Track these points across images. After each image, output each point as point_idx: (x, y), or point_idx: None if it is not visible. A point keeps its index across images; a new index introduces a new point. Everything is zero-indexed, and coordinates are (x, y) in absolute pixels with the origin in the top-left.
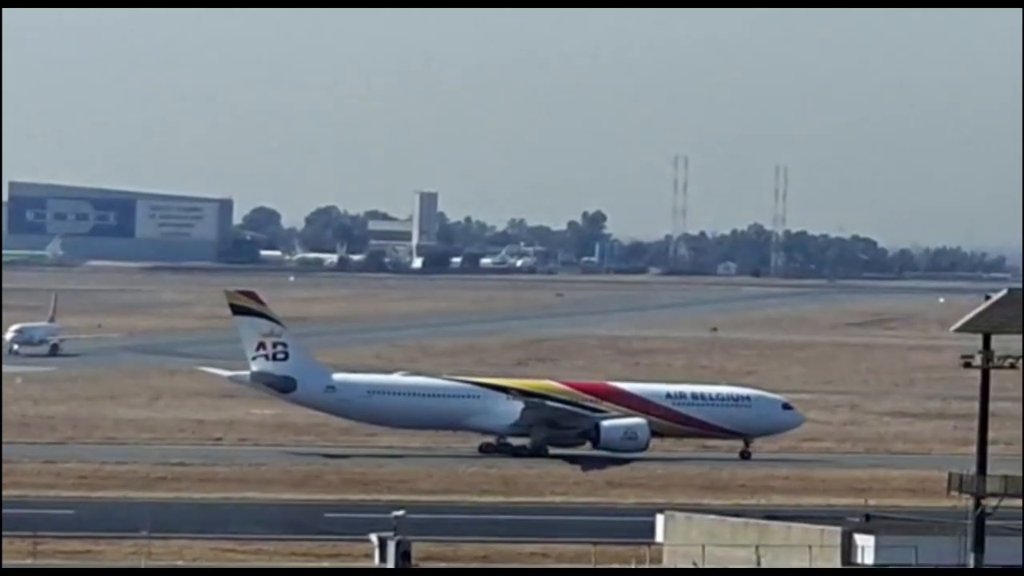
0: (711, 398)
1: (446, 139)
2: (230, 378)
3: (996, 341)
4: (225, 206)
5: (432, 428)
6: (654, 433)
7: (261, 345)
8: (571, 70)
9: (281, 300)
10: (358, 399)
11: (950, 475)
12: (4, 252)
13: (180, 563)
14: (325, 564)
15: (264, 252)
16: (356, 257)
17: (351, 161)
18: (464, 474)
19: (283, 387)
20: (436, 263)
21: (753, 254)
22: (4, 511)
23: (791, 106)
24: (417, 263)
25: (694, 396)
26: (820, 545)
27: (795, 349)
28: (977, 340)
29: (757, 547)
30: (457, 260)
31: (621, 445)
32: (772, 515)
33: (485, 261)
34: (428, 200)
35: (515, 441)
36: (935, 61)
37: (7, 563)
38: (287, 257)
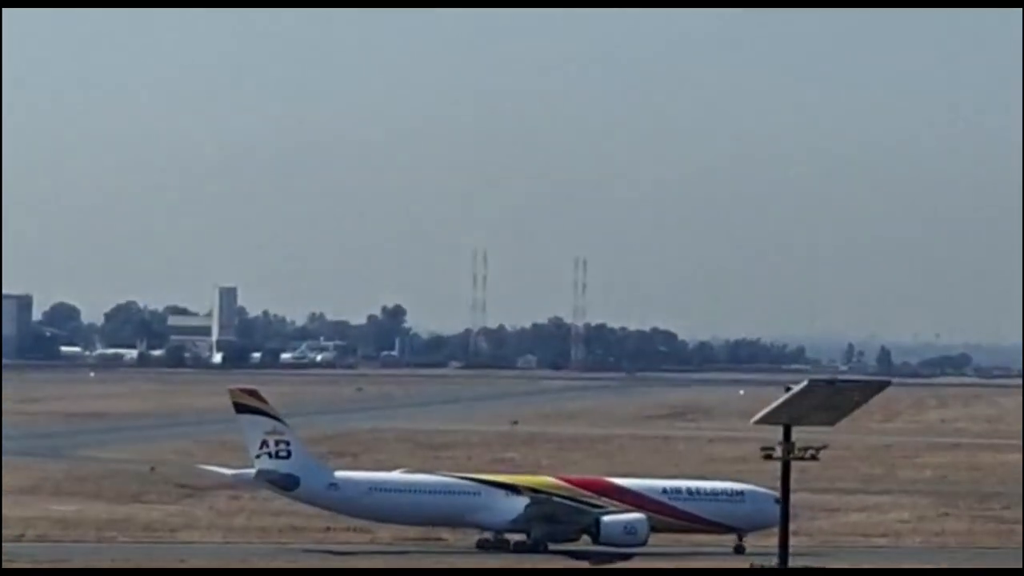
0: (706, 493)
1: (244, 233)
2: (232, 476)
3: (796, 432)
4: (24, 302)
5: (433, 524)
6: (652, 528)
7: (264, 443)
8: (364, 161)
9: (81, 396)
10: (360, 496)
11: (752, 566)
12: None
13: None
14: None
15: (64, 348)
16: (156, 352)
17: (150, 256)
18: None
19: (286, 485)
20: (236, 358)
21: (553, 347)
22: None
23: (591, 199)
24: (217, 358)
25: (689, 491)
26: None
27: (596, 442)
28: (777, 432)
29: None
30: (257, 355)
31: (621, 540)
32: None
33: (285, 356)
34: (227, 295)
35: (513, 537)
36: (729, 144)
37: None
38: (87, 353)
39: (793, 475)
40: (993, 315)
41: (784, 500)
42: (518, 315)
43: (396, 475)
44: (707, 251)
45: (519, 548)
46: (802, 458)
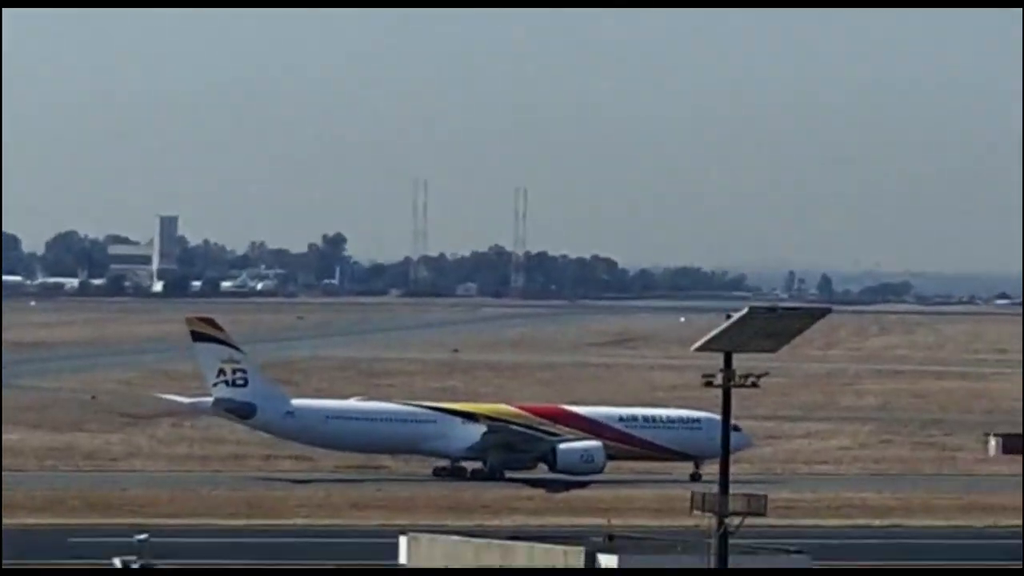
0: (662, 421)
1: (185, 161)
2: (191, 405)
3: (737, 360)
4: None
5: (390, 452)
6: (608, 456)
7: (221, 372)
8: (306, 90)
9: (22, 325)
10: (317, 424)
11: (692, 494)
12: None
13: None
14: None
15: (5, 277)
16: (97, 281)
17: (90, 186)
18: (208, 497)
19: (243, 413)
20: (177, 287)
21: (493, 275)
22: None
23: (530, 127)
24: (158, 287)
25: (646, 419)
26: (564, 565)
27: (537, 369)
28: (719, 359)
29: (500, 568)
30: (197, 284)
31: (578, 468)
32: (516, 535)
33: (226, 284)
34: (168, 224)
35: (469, 465)
36: (668, 75)
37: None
38: (28, 282)
39: (735, 402)
40: (934, 243)
41: (724, 427)
42: (458, 243)
43: (353, 403)
44: (647, 179)
45: (476, 476)
46: (743, 385)
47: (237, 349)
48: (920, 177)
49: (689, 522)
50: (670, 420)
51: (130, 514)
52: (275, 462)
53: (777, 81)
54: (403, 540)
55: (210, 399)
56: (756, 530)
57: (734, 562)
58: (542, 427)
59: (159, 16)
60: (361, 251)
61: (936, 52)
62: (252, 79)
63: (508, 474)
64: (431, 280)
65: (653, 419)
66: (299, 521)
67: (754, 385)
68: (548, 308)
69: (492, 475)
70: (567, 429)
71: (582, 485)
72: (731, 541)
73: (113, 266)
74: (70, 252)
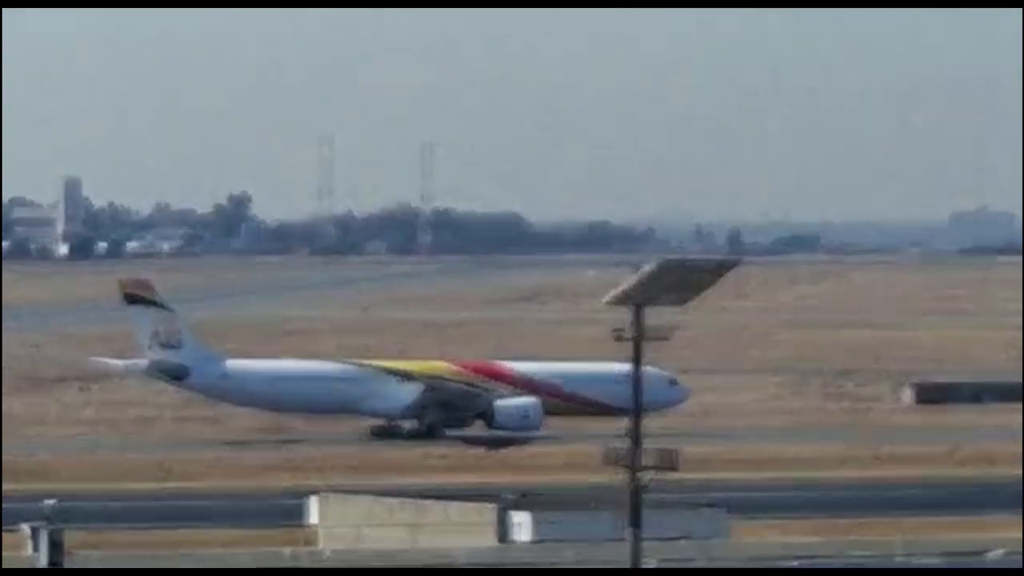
0: (598, 376)
1: (88, 123)
2: (125, 367)
3: (647, 313)
4: None
5: (327, 413)
6: (545, 412)
7: (155, 334)
8: (206, 48)
9: None
10: (252, 385)
11: (605, 449)
12: None
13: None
14: None
15: None
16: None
17: None
18: (117, 461)
19: (177, 375)
20: (82, 249)
21: (401, 232)
22: None
23: (435, 82)
24: (63, 250)
25: (583, 374)
26: (477, 523)
27: (447, 327)
28: (628, 312)
29: (413, 526)
30: (103, 245)
31: (515, 424)
32: (427, 494)
33: (132, 246)
34: (72, 185)
35: (406, 424)
36: (574, 27)
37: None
38: None
39: (646, 356)
40: (843, 192)
41: (635, 381)
42: (365, 201)
43: (288, 363)
44: (553, 134)
45: (413, 435)
46: (653, 338)
47: (171, 311)
48: (826, 123)
49: (603, 478)
50: (607, 375)
51: (38, 479)
52: (184, 424)
53: (683, 32)
54: (313, 500)
55: (144, 361)
56: (671, 485)
57: (648, 518)
58: (479, 384)
59: None
60: (267, 210)
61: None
62: (153, 37)
63: (446, 432)
64: (338, 238)
65: (589, 374)
66: (209, 484)
67: (664, 338)
68: (457, 264)
69: (430, 433)
70: (503, 386)
71: (521, 442)
72: (644, 496)
73: (17, 229)
74: None
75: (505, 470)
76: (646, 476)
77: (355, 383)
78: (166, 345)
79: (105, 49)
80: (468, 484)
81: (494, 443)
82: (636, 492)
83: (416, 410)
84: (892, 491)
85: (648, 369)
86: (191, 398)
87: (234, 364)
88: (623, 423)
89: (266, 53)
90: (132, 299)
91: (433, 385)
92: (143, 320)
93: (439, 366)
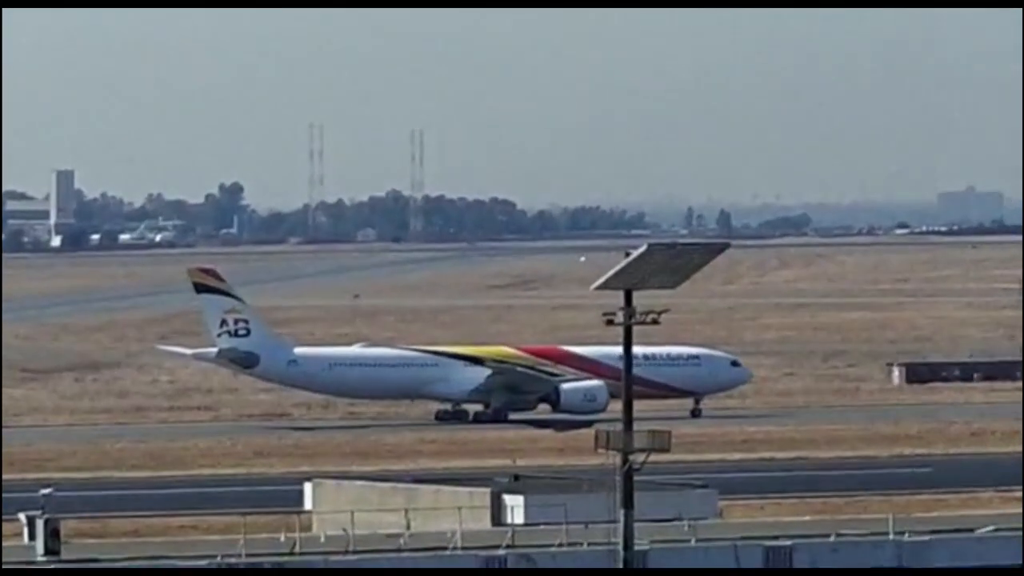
0: (662, 358)
1: (80, 115)
2: (194, 355)
3: (638, 297)
4: None
5: (393, 398)
6: (610, 395)
7: (224, 322)
8: (196, 38)
9: None
10: (320, 372)
11: (596, 432)
12: None
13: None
14: None
15: None
16: None
17: None
18: (112, 450)
19: (247, 363)
20: (75, 241)
21: (392, 220)
22: None
23: (425, 70)
24: (56, 241)
25: (645, 357)
26: (469, 506)
27: (438, 313)
28: (619, 297)
29: (406, 510)
30: (96, 237)
31: (582, 407)
32: (421, 479)
33: (124, 237)
34: (64, 177)
35: (471, 408)
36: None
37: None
38: None
39: (636, 339)
40: (832, 175)
41: (626, 364)
42: (356, 189)
43: (356, 349)
44: (543, 120)
45: (479, 419)
46: (643, 322)
47: (239, 299)
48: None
49: (595, 460)
50: (670, 357)
51: (35, 469)
52: (178, 413)
53: (672, 17)
54: (308, 487)
55: (214, 350)
56: (662, 467)
57: (640, 499)
58: (544, 368)
59: None
60: (259, 200)
61: None
62: (144, 29)
63: (512, 416)
64: (330, 227)
65: (653, 356)
66: (203, 471)
67: (655, 322)
68: (448, 251)
69: (496, 417)
70: (568, 369)
71: (587, 424)
72: (636, 478)
73: (10, 221)
74: None
75: (497, 454)
76: (638, 458)
77: (422, 368)
78: (235, 333)
79: (96, 42)
80: (459, 468)
81: (561, 426)
82: (628, 474)
83: (482, 394)
84: (883, 470)
85: (712, 352)
86: (247, 383)
87: (303, 351)
88: (687, 403)
89: (256, 44)
90: (201, 288)
91: (499, 369)
92: (212, 308)
93: (501, 350)
